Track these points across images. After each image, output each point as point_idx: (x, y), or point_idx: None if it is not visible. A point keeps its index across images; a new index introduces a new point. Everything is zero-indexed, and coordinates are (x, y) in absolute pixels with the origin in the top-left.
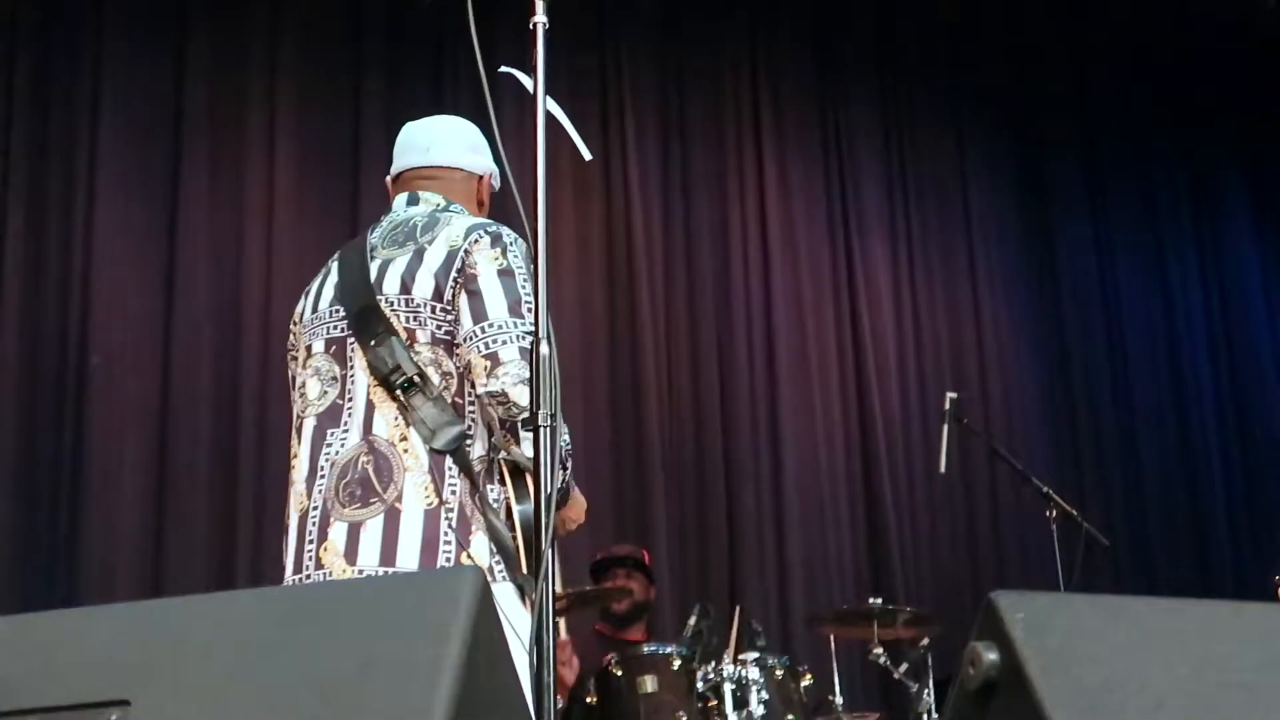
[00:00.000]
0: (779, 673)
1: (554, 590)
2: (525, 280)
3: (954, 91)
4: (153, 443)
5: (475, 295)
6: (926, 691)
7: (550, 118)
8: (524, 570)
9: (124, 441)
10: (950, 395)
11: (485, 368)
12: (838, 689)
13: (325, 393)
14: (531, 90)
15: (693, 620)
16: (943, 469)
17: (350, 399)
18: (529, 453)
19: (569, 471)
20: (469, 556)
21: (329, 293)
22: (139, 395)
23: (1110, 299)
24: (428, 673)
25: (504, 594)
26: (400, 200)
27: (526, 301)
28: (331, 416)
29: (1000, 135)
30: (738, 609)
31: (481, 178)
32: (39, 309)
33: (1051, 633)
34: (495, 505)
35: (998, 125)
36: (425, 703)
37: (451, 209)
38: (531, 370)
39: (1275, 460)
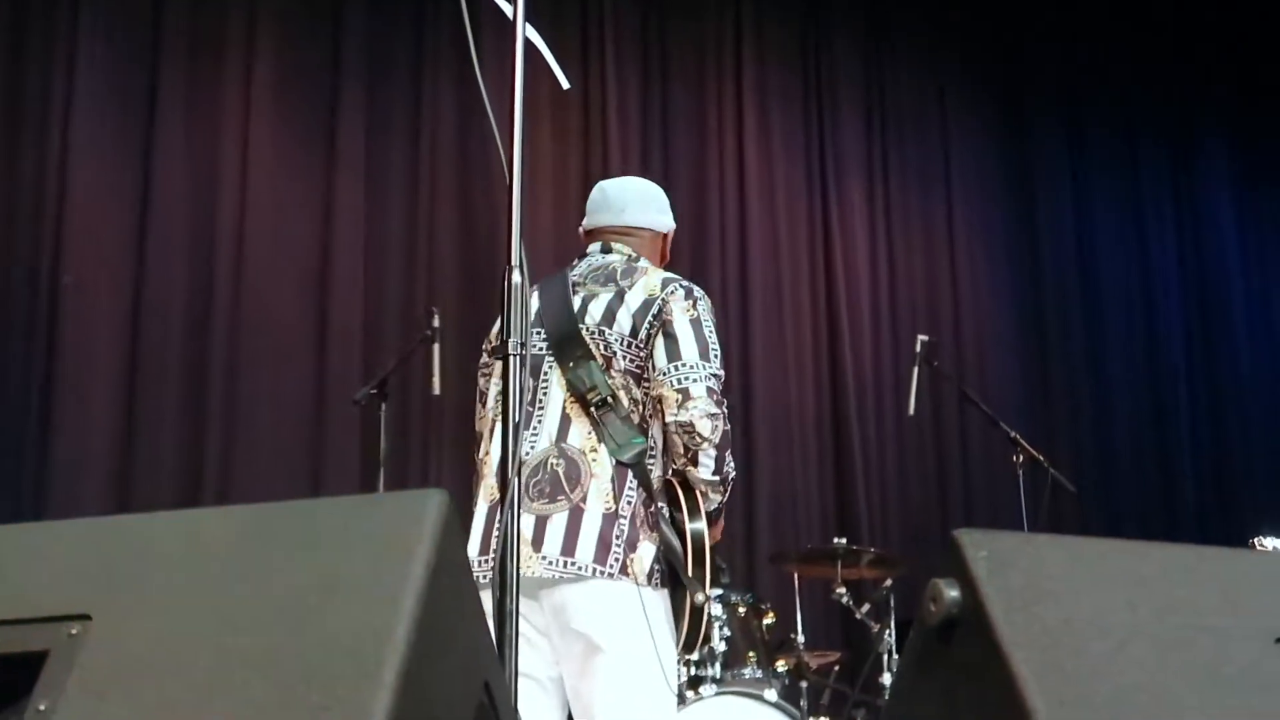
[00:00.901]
0: (742, 610)
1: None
2: (711, 331)
3: (937, 37)
4: (124, 363)
5: (671, 338)
6: (888, 632)
7: (529, 46)
8: (690, 574)
9: (95, 361)
10: (921, 338)
11: (677, 400)
12: (800, 627)
13: None
14: (511, 17)
15: None
16: (911, 412)
17: (541, 409)
18: (704, 476)
19: (726, 496)
20: (635, 559)
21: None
22: (111, 316)
23: (1086, 248)
24: (390, 593)
25: (654, 599)
26: (595, 247)
27: (714, 348)
28: (524, 422)
29: (982, 82)
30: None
31: (666, 235)
32: (11, 227)
33: (1014, 572)
34: (666, 518)
35: (980, 72)
36: (387, 623)
37: (641, 262)
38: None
39: (1243, 414)
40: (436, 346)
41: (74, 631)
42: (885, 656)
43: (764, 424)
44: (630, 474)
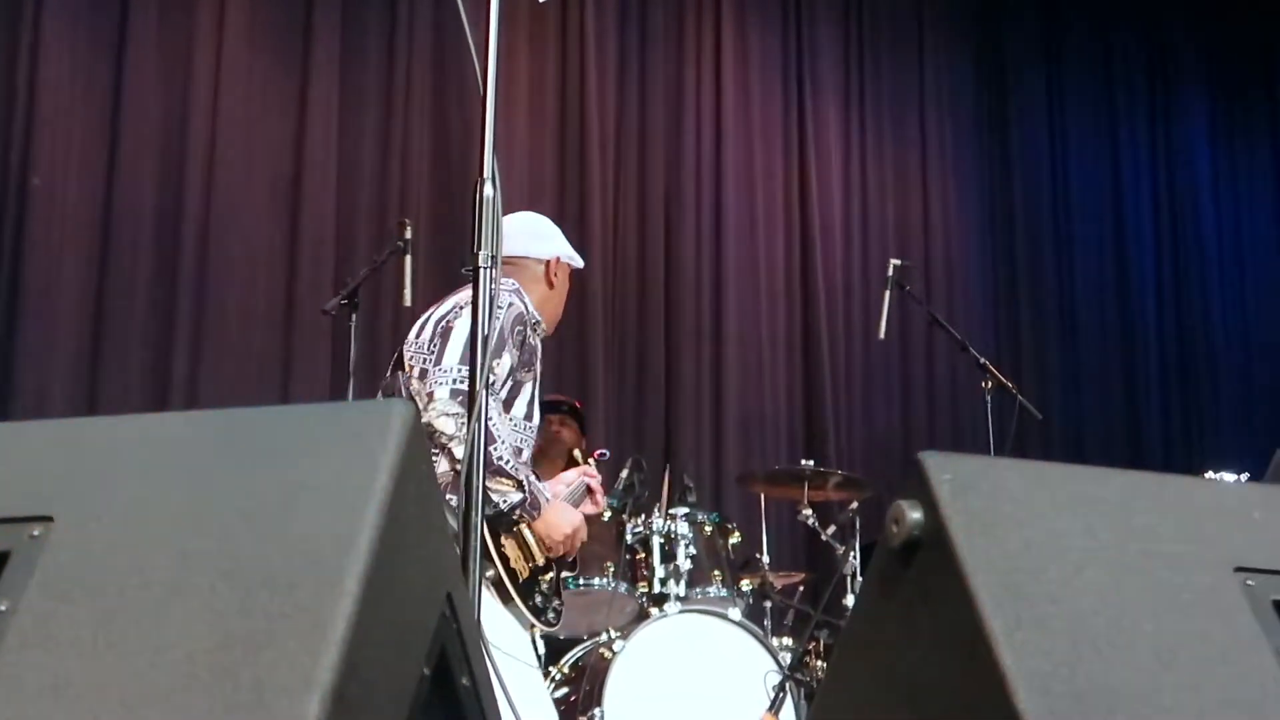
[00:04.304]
0: (707, 529)
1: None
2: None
3: None
4: (92, 265)
5: (445, 343)
6: (853, 554)
7: None
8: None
9: (63, 265)
10: (894, 262)
11: (424, 403)
12: (765, 548)
13: None
14: None
15: (625, 473)
16: (882, 335)
17: None
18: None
19: (526, 491)
20: None
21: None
22: (79, 218)
23: (1059, 175)
24: (354, 501)
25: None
26: None
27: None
28: None
29: (960, 4)
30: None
31: (548, 261)
32: None
33: (976, 494)
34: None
35: None
36: (350, 530)
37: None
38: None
39: (1210, 343)
40: (408, 258)
41: (36, 533)
42: (849, 578)
43: (734, 345)
44: None
